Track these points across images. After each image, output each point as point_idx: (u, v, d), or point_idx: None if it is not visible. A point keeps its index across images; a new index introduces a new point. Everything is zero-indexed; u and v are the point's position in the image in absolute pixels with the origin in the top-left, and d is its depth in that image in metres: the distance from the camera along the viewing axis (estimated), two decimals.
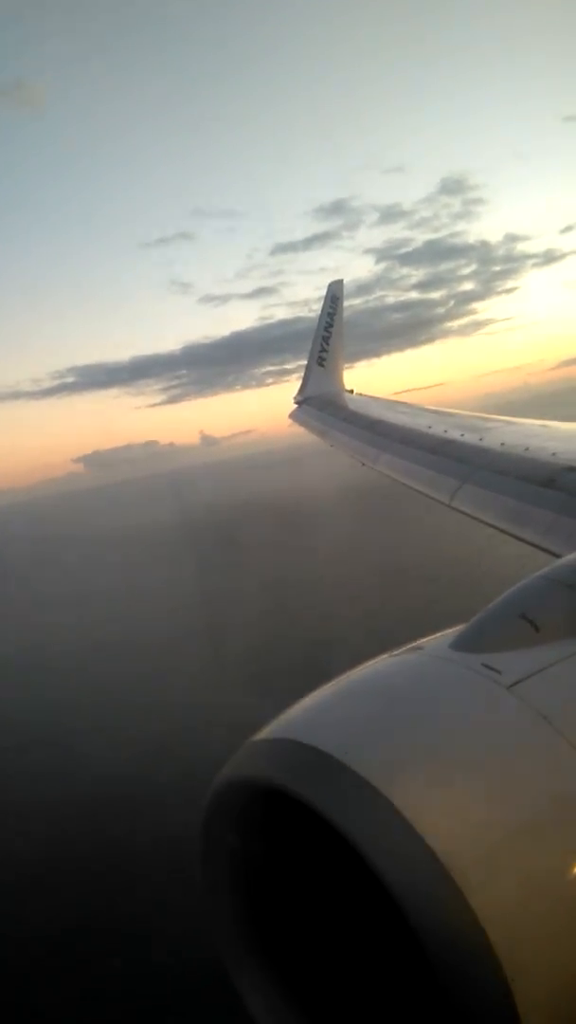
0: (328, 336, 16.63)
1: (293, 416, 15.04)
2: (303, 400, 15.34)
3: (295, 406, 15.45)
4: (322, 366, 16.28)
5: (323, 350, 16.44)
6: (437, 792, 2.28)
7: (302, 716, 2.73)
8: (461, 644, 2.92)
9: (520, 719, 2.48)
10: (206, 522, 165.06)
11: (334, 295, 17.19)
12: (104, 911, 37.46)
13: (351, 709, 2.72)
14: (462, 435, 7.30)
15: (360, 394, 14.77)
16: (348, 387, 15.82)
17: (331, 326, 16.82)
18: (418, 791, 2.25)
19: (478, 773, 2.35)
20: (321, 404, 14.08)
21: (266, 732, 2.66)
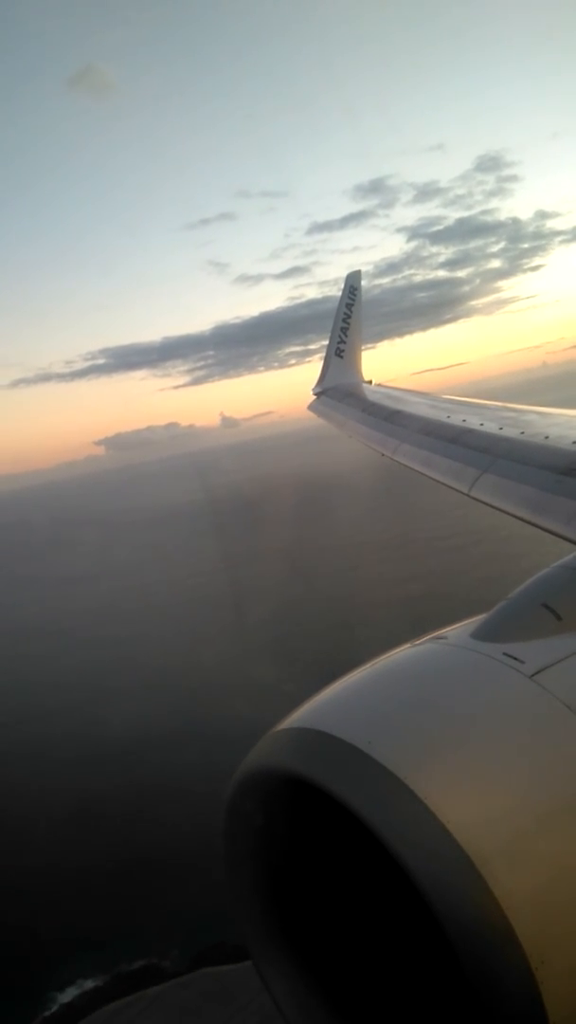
0: (346, 327, 16.60)
1: (312, 408, 15.08)
2: (322, 391, 15.35)
3: (314, 397, 15.46)
4: (340, 357, 16.27)
5: (341, 341, 16.42)
6: (460, 782, 2.29)
7: (327, 706, 2.75)
8: (483, 633, 2.92)
9: (543, 708, 2.47)
10: (223, 501, 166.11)
11: (352, 286, 17.14)
12: (128, 858, 38.64)
13: (375, 700, 2.73)
14: (481, 424, 7.24)
15: (379, 384, 14.73)
16: (367, 377, 15.79)
17: (349, 317, 16.79)
18: (441, 781, 2.26)
19: (501, 763, 2.35)
20: (339, 395, 14.06)
21: (291, 721, 2.68)
